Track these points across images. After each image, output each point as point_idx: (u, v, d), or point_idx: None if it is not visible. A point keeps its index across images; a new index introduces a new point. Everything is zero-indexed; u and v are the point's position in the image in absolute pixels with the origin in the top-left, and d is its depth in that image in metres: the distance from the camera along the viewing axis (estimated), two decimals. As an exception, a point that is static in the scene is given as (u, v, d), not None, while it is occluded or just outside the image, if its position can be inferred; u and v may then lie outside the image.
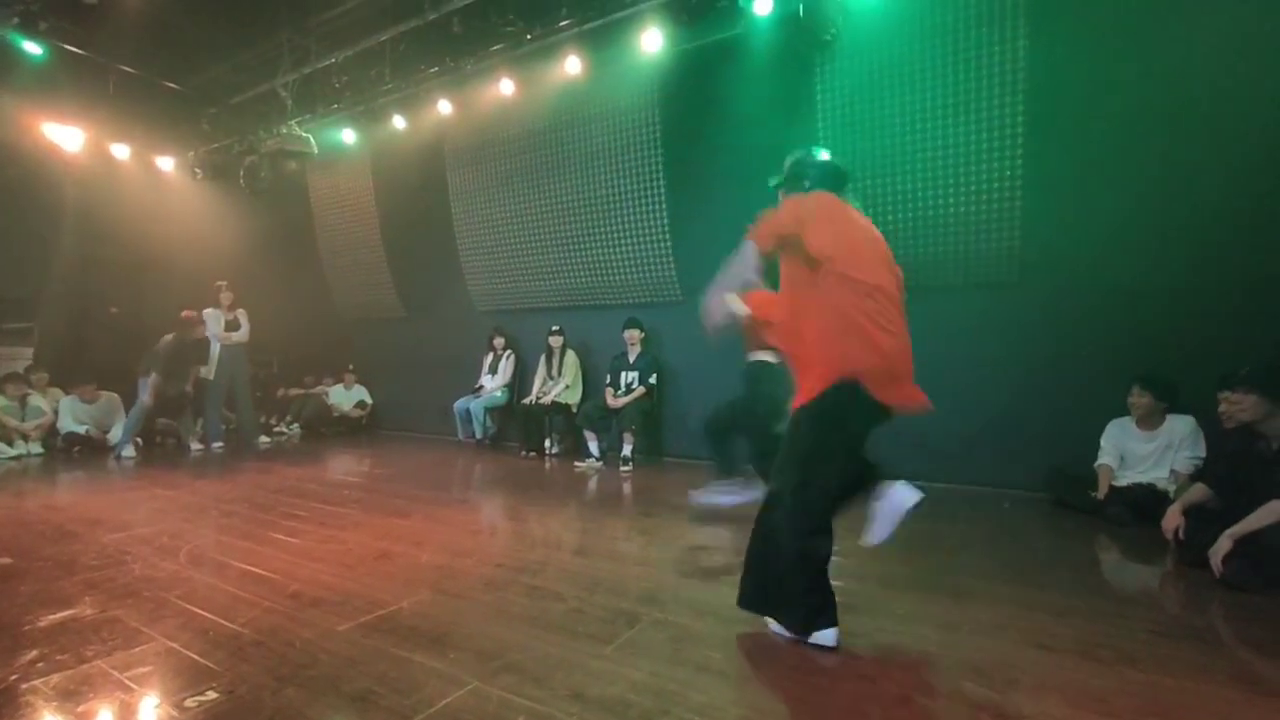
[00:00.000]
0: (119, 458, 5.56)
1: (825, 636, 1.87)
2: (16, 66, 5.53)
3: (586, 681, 1.69)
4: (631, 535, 3.25)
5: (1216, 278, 3.66)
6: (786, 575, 1.89)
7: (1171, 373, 3.57)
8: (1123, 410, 3.69)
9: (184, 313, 6.01)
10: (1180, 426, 3.47)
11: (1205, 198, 3.68)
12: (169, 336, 5.92)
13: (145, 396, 5.74)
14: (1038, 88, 3.98)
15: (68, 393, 6.03)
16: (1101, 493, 3.57)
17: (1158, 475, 3.48)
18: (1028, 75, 3.97)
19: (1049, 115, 4.00)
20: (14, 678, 1.68)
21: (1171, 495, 3.23)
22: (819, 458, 1.91)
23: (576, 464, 5.31)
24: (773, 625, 1.98)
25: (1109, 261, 3.96)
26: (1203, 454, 3.36)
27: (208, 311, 6.21)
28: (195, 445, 6.09)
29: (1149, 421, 3.57)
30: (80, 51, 5.76)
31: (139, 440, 5.91)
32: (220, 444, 6.26)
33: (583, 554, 2.91)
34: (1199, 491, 2.85)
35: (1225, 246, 3.63)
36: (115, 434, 6.00)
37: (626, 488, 4.51)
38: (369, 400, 7.78)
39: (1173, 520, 2.81)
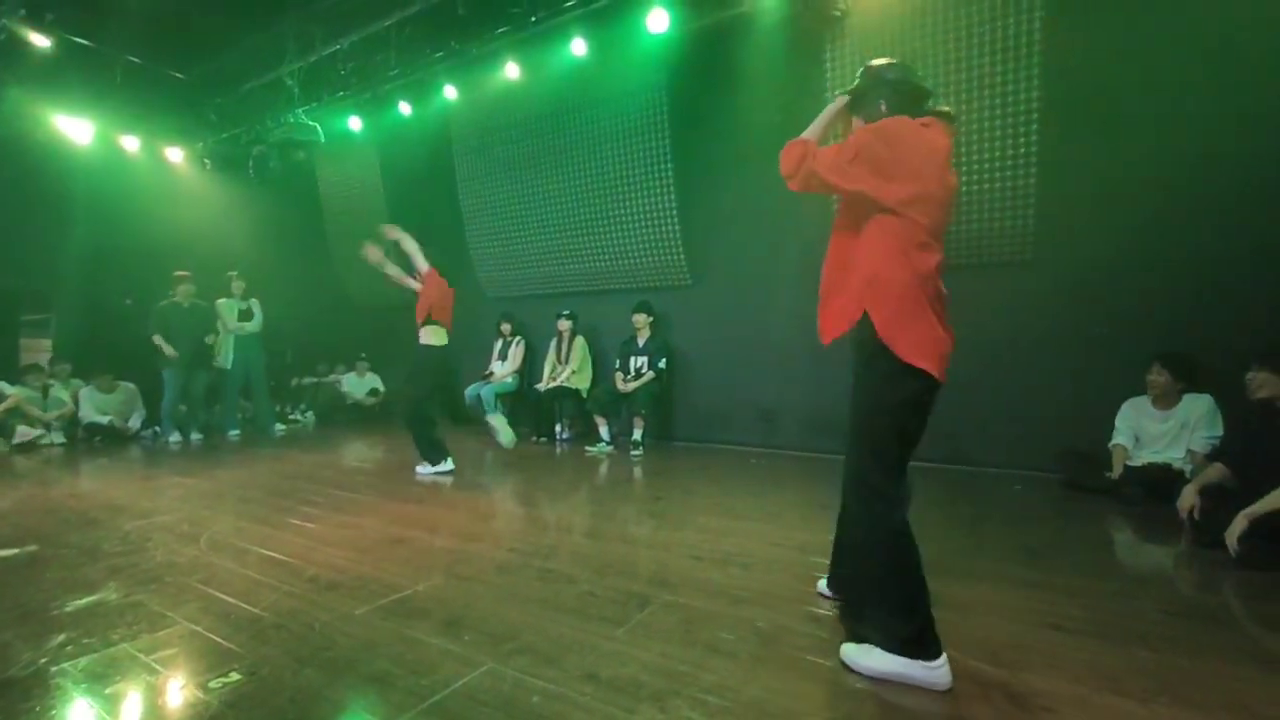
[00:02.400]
0: (169, 441, 5.88)
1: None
2: (25, 59, 5.55)
3: (599, 663, 1.72)
4: (642, 519, 3.27)
5: (1235, 255, 3.59)
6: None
7: (1192, 351, 3.53)
8: (1136, 390, 3.65)
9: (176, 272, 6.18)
10: (1197, 406, 3.43)
11: (1224, 174, 3.59)
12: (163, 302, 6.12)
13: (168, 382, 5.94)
14: (1054, 63, 3.89)
15: (86, 383, 6.14)
16: (1116, 472, 3.55)
17: (1173, 455, 3.45)
18: (1044, 50, 3.88)
19: (1065, 91, 3.92)
20: (44, 660, 1.73)
21: (1188, 475, 3.20)
22: None
23: (587, 449, 5.34)
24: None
25: (1124, 240, 3.89)
26: (1219, 433, 3.32)
27: (221, 301, 6.27)
28: (194, 435, 6.22)
29: (1165, 400, 3.53)
30: (87, 43, 5.77)
31: (180, 428, 6.12)
32: (237, 432, 6.35)
33: (594, 537, 2.94)
34: (1216, 471, 2.83)
35: (1245, 223, 3.56)
36: (135, 423, 6.12)
37: (637, 472, 4.54)
38: (382, 388, 7.85)
39: (1188, 500, 2.79)
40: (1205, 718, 1.46)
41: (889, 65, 1.83)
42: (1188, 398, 3.47)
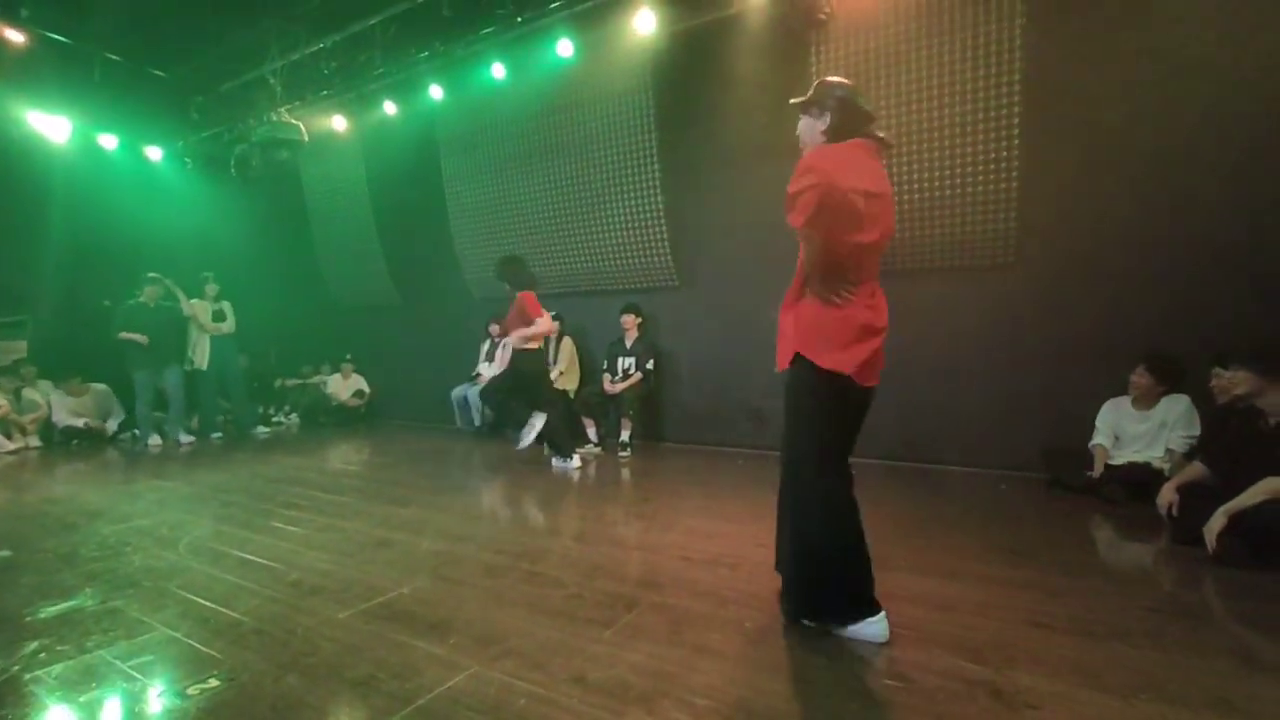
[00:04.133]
0: (145, 445, 5.75)
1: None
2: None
3: (586, 665, 1.71)
4: (630, 521, 3.26)
5: (1214, 258, 3.65)
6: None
7: (1172, 352, 3.58)
8: (1117, 390, 3.70)
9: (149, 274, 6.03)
10: (1175, 406, 3.48)
11: (1204, 177, 3.66)
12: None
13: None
14: (1035, 66, 3.94)
15: (56, 386, 6.02)
16: (1096, 472, 3.60)
17: (1153, 454, 3.50)
18: (1024, 54, 3.93)
19: (1046, 94, 3.96)
20: (17, 668, 1.69)
21: (1167, 474, 3.25)
22: None
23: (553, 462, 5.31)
24: None
25: (1106, 242, 3.95)
26: (1197, 433, 3.38)
27: (194, 303, 6.17)
28: (185, 437, 6.06)
29: (1144, 401, 3.58)
30: (64, 39, 5.66)
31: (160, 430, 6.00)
32: (219, 434, 6.26)
33: (582, 540, 2.93)
34: (1195, 470, 2.87)
35: (1224, 227, 3.62)
36: (112, 425, 6.01)
37: (625, 473, 4.53)
38: (367, 390, 7.76)
39: (1167, 497, 2.83)
40: (1187, 713, 1.48)
41: (840, 84, 1.91)
42: (1166, 398, 3.53)
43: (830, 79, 1.93)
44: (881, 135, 1.91)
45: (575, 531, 3.12)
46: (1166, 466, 3.38)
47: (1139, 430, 3.58)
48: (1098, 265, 3.98)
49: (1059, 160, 4.00)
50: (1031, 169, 4.04)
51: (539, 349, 4.51)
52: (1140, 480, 3.34)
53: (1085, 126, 3.94)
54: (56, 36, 5.59)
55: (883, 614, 1.83)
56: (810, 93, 1.91)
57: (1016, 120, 4.00)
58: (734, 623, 1.97)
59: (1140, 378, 3.54)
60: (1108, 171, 3.91)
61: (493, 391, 4.97)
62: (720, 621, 1.98)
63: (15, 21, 5.24)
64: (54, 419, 5.87)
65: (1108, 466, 3.57)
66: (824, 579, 1.85)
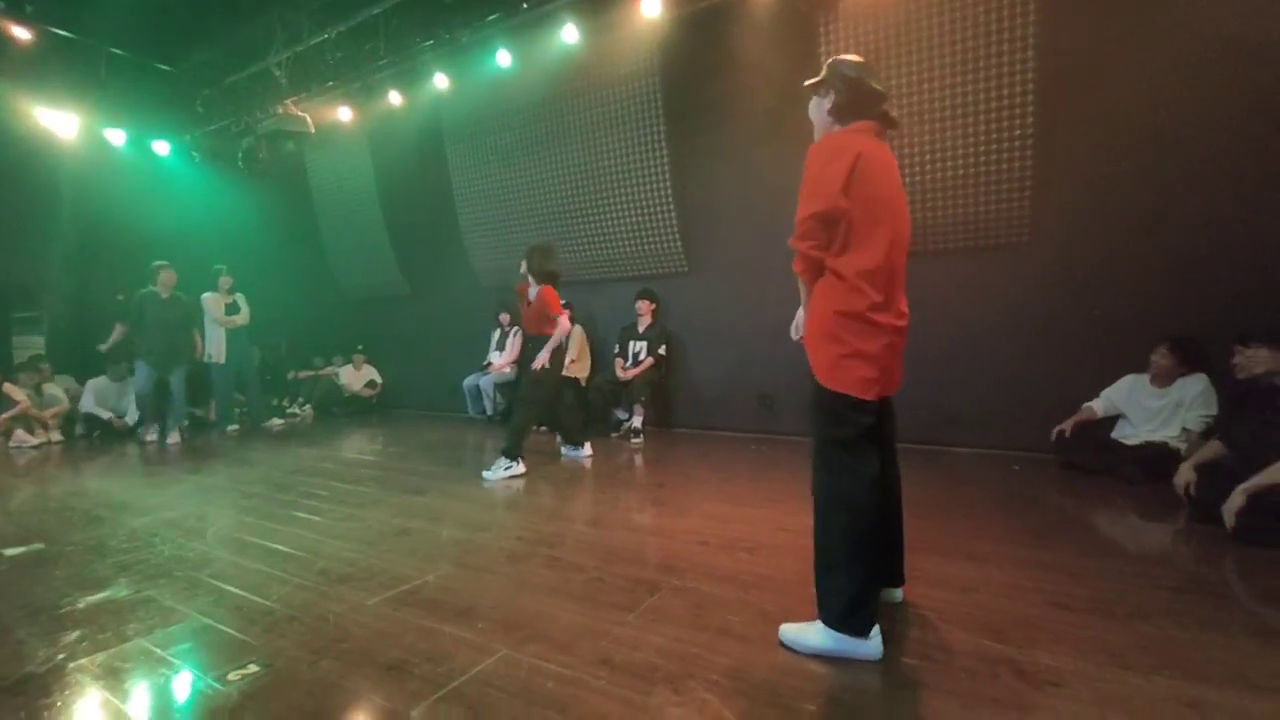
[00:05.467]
0: (143, 443, 5.63)
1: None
2: (5, 52, 5.45)
3: (612, 648, 1.74)
4: (645, 506, 3.29)
5: (1232, 236, 3.61)
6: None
7: (1186, 331, 3.56)
8: (1132, 370, 3.69)
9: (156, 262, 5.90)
10: (1191, 384, 3.47)
11: (1222, 153, 3.61)
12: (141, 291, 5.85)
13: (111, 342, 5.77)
14: (1050, 43, 3.88)
15: (74, 379, 6.06)
16: (1067, 429, 3.70)
17: (1168, 433, 3.49)
18: (1038, 31, 3.87)
19: (1061, 72, 3.91)
20: (61, 657, 1.74)
21: (1183, 454, 3.24)
22: None
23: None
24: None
25: (1122, 220, 3.91)
26: (1214, 412, 3.37)
27: (206, 296, 6.19)
28: (173, 438, 5.86)
29: (1163, 379, 3.57)
30: (69, 35, 5.66)
31: (158, 424, 5.96)
32: (235, 427, 6.33)
33: (599, 525, 2.96)
34: (1212, 448, 2.87)
35: (1242, 204, 3.58)
36: (131, 417, 6.06)
37: (638, 459, 4.56)
38: (379, 380, 7.83)
39: (1184, 476, 2.83)
40: (1209, 690, 1.50)
41: (850, 62, 1.85)
42: (1183, 378, 3.52)
43: (841, 57, 1.87)
44: (890, 115, 1.85)
45: (592, 517, 3.15)
46: (1182, 446, 3.37)
47: (1155, 406, 3.57)
48: (1114, 244, 3.94)
49: (1075, 139, 3.95)
50: (1047, 147, 3.99)
51: (560, 350, 4.22)
52: (1156, 460, 3.33)
53: (1102, 104, 3.89)
54: (62, 32, 5.59)
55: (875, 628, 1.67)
56: (822, 72, 1.88)
57: (1031, 98, 3.95)
58: (755, 606, 1.99)
59: (1162, 358, 3.53)
60: (1125, 150, 3.86)
61: (531, 402, 4.22)
62: (741, 605, 2.01)
63: (21, 18, 5.24)
64: (81, 405, 5.95)
65: (1123, 446, 3.56)
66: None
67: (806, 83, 1.91)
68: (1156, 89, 3.73)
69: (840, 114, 1.82)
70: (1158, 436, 3.51)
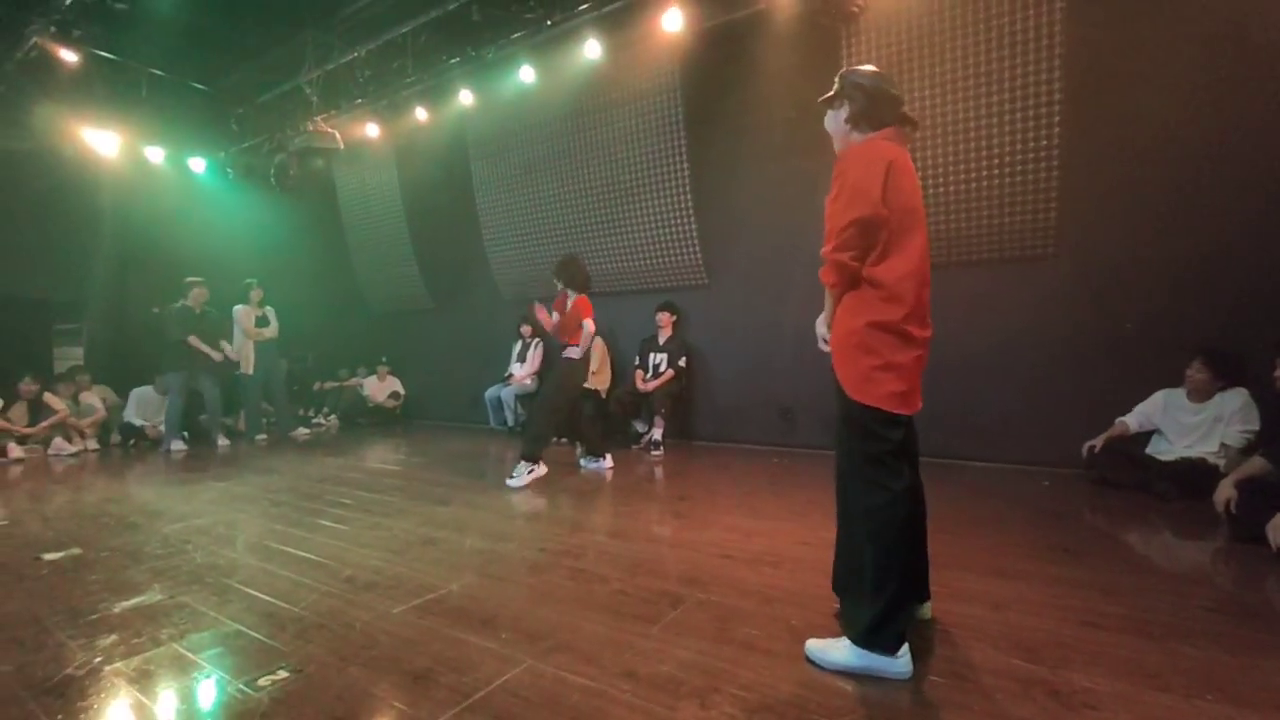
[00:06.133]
0: (168, 451, 5.77)
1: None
2: (54, 75, 5.69)
3: (636, 660, 1.73)
4: (667, 518, 3.28)
5: (1265, 245, 3.52)
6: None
7: (1220, 344, 3.47)
8: (1165, 384, 3.61)
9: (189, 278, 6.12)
10: (1231, 399, 3.38)
11: (1251, 162, 3.53)
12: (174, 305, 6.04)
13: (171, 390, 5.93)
14: (1076, 52, 3.84)
15: (113, 390, 6.24)
16: (1098, 444, 3.62)
17: (1206, 449, 3.40)
18: (1065, 41, 3.84)
19: (1088, 81, 3.87)
20: (98, 660, 1.78)
21: (1222, 469, 3.15)
22: None
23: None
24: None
25: (1150, 232, 3.84)
26: (1256, 427, 3.27)
27: (238, 308, 6.36)
28: (222, 441, 6.20)
29: (1200, 394, 3.48)
30: (113, 57, 5.90)
31: (186, 434, 6.12)
32: (263, 436, 6.46)
33: (621, 537, 2.96)
34: (1256, 465, 2.78)
35: (1274, 212, 3.49)
36: (164, 427, 6.22)
37: (659, 472, 4.55)
38: (402, 391, 7.94)
39: (1224, 493, 2.75)
40: (1255, 715, 1.45)
41: (862, 71, 1.85)
42: (1222, 392, 3.42)
43: (852, 68, 1.87)
44: (909, 116, 1.83)
45: (614, 529, 3.15)
46: (1221, 462, 3.27)
47: (1192, 422, 3.47)
48: (1143, 256, 3.87)
49: (1101, 149, 3.90)
50: (1073, 158, 3.95)
51: (584, 360, 4.27)
52: (1193, 476, 3.24)
53: (1129, 114, 3.84)
54: (106, 55, 5.82)
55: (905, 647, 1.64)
56: (835, 86, 1.87)
57: (1057, 108, 3.91)
58: (780, 621, 1.97)
59: (1197, 373, 3.44)
60: (1152, 160, 3.80)
61: (552, 410, 4.27)
62: (767, 619, 1.99)
63: (68, 41, 5.48)
64: (124, 415, 6.16)
65: (1159, 462, 3.47)
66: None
67: (820, 99, 1.91)
68: (1184, 97, 3.68)
69: (857, 122, 1.81)
70: (1195, 452, 3.41)
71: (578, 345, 4.20)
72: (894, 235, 1.68)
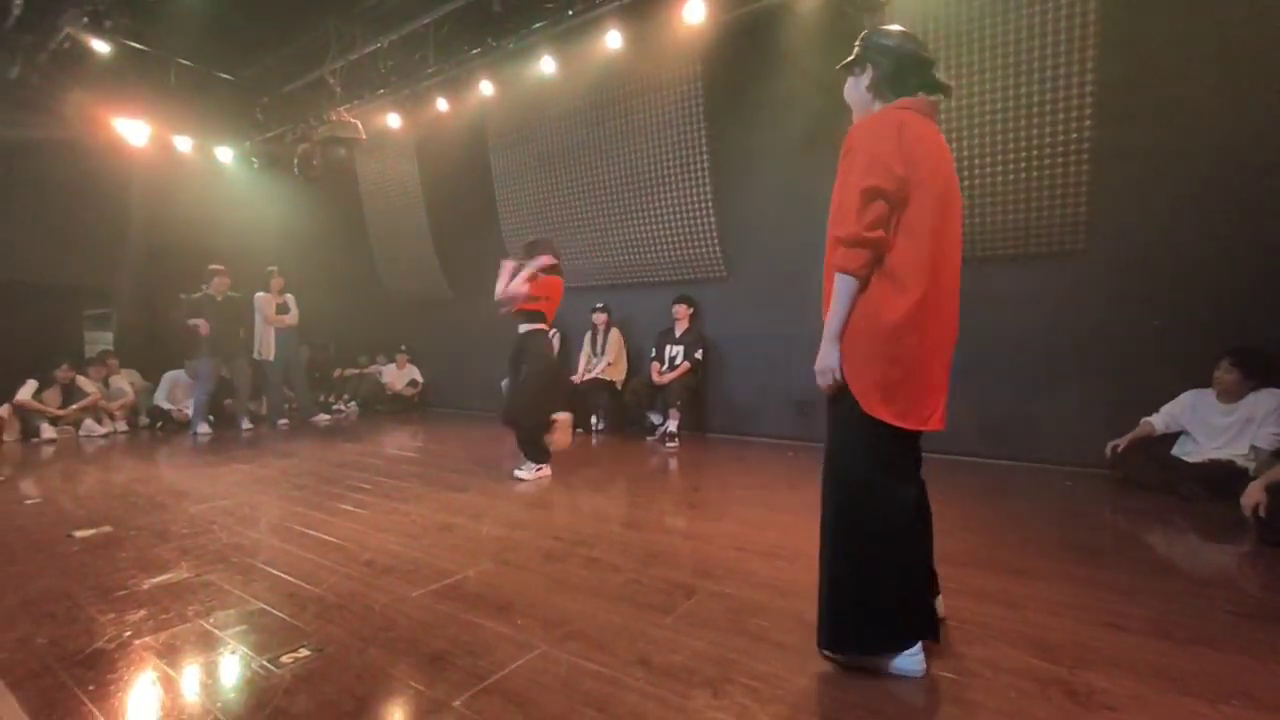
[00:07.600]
0: (195, 435, 5.91)
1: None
2: (86, 65, 5.80)
3: (650, 649, 1.75)
4: (681, 510, 3.29)
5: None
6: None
7: (1251, 342, 3.38)
8: (1193, 384, 3.52)
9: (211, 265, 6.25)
10: (1264, 400, 3.29)
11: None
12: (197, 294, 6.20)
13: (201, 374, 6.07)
14: (1110, 44, 3.74)
15: (142, 374, 6.39)
16: (1122, 444, 3.57)
17: (1236, 451, 3.32)
18: (1099, 31, 3.74)
19: (1121, 75, 3.76)
20: (127, 634, 1.84)
21: (1251, 472, 3.07)
22: None
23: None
24: None
25: (1182, 229, 3.74)
26: (1288, 429, 3.18)
27: (259, 295, 6.48)
28: (246, 425, 6.35)
29: (1230, 395, 3.39)
30: (143, 48, 6.00)
31: (211, 418, 6.26)
32: (285, 421, 6.58)
33: (635, 528, 2.97)
34: (1285, 468, 2.71)
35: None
36: (191, 410, 6.37)
37: (673, 463, 4.56)
38: (420, 379, 8.04)
39: (1254, 497, 2.68)
40: (1280, 720, 1.42)
41: (886, 31, 1.66)
42: (1254, 393, 3.33)
43: (876, 28, 1.67)
44: (940, 80, 1.64)
45: (629, 519, 3.16)
46: (1251, 465, 3.19)
47: (1223, 424, 3.39)
48: (1175, 252, 3.77)
49: (1133, 144, 3.80)
50: (1104, 153, 3.85)
51: (544, 331, 4.15)
52: (1221, 478, 3.17)
53: (1163, 108, 3.73)
54: (137, 45, 5.92)
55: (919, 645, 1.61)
56: (855, 50, 1.68)
57: (1089, 102, 3.82)
58: (794, 614, 1.97)
59: (1226, 373, 3.36)
60: (1186, 155, 3.69)
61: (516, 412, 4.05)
62: (780, 612, 1.99)
63: (100, 32, 5.58)
64: (155, 398, 6.35)
65: (1186, 464, 3.40)
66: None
67: (839, 65, 1.73)
68: (1221, 92, 3.56)
69: (879, 89, 1.65)
70: (1224, 454, 3.33)
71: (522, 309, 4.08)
72: (907, 214, 1.51)
